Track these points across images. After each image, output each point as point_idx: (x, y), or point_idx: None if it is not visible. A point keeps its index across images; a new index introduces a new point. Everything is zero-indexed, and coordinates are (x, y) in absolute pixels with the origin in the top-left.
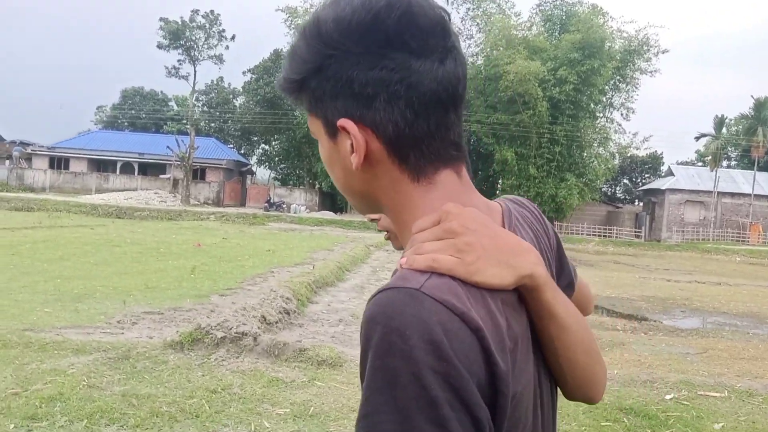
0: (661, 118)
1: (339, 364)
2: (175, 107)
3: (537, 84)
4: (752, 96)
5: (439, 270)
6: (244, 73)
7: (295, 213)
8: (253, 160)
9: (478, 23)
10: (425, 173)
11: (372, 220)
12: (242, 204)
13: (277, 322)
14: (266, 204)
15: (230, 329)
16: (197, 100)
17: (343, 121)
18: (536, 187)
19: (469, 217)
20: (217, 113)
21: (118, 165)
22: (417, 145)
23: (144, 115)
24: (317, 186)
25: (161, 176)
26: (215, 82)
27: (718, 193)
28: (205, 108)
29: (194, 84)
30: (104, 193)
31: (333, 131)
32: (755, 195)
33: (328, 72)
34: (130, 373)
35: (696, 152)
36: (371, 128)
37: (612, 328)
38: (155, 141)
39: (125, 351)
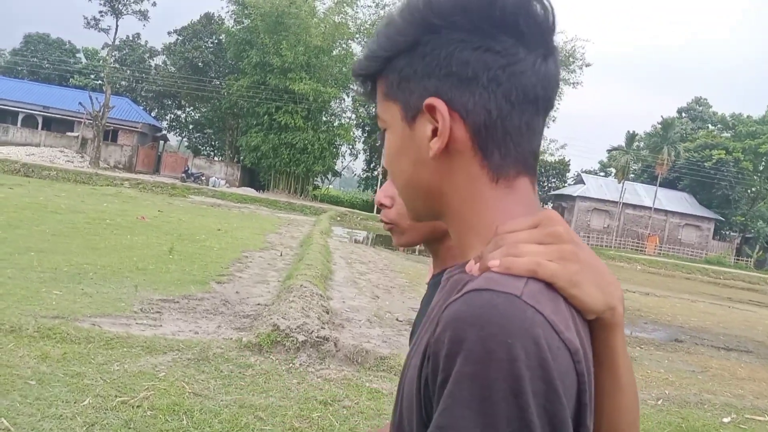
0: (572, 125)
1: None
2: (84, 60)
3: None
4: (662, 116)
5: (541, 276)
6: (169, 33)
7: (213, 186)
8: (164, 125)
9: None
10: (506, 175)
11: (381, 206)
12: (156, 171)
13: (327, 323)
14: (183, 174)
15: (311, 333)
16: (107, 55)
17: (432, 100)
18: None
19: (572, 231)
20: (129, 72)
21: (20, 117)
22: (504, 141)
23: (48, 65)
24: (238, 161)
25: (68, 134)
26: (131, 38)
27: (623, 204)
28: (116, 65)
29: (115, 38)
30: (2, 146)
31: (413, 115)
32: (655, 209)
33: (426, 48)
34: (222, 377)
35: (599, 162)
36: (460, 113)
37: None
38: (63, 95)
39: (200, 352)
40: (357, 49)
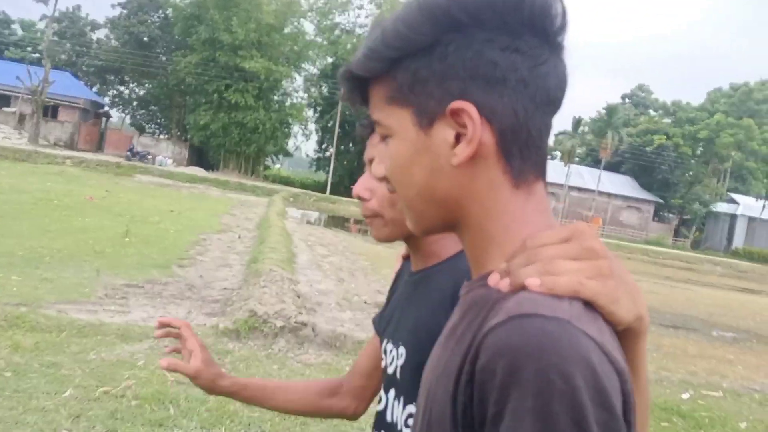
0: None
1: None
2: (20, 32)
3: None
4: (607, 102)
5: (584, 295)
6: (113, 6)
7: (160, 165)
8: (106, 101)
9: None
10: (525, 180)
11: (361, 198)
12: (98, 149)
13: (301, 308)
14: (128, 153)
15: (288, 318)
16: (46, 27)
17: (461, 104)
18: None
19: (602, 242)
20: (69, 45)
21: None
22: (527, 144)
23: None
24: (186, 139)
25: (5, 109)
26: (71, 11)
27: (569, 186)
28: (56, 38)
29: (55, 9)
30: None
31: (429, 121)
32: (599, 191)
33: (448, 48)
34: None
35: None
36: (487, 116)
37: None
38: None
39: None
40: (309, 27)
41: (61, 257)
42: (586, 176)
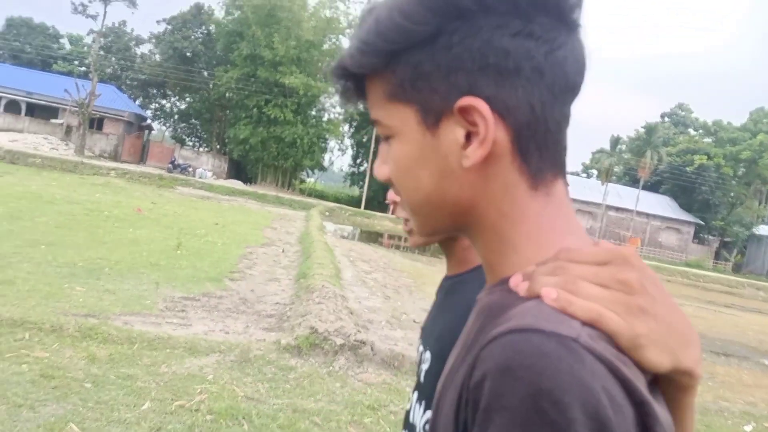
0: None
1: None
2: (68, 46)
3: None
4: (646, 121)
5: (601, 328)
6: (158, 22)
7: (200, 178)
8: (148, 114)
9: None
10: (544, 180)
11: (394, 203)
12: (141, 161)
13: (358, 325)
14: (170, 165)
15: (348, 336)
16: (94, 41)
17: (470, 100)
18: None
19: (650, 275)
20: (114, 59)
21: (2, 102)
22: (545, 139)
23: (30, 50)
24: (226, 153)
25: (53, 121)
26: (117, 26)
27: (606, 206)
28: (102, 52)
29: (103, 25)
30: None
31: (435, 119)
32: (637, 211)
33: (452, 38)
34: (267, 380)
35: (582, 164)
36: (500, 112)
37: None
38: (47, 80)
39: (241, 353)
40: (347, 44)
41: (119, 269)
42: (623, 196)
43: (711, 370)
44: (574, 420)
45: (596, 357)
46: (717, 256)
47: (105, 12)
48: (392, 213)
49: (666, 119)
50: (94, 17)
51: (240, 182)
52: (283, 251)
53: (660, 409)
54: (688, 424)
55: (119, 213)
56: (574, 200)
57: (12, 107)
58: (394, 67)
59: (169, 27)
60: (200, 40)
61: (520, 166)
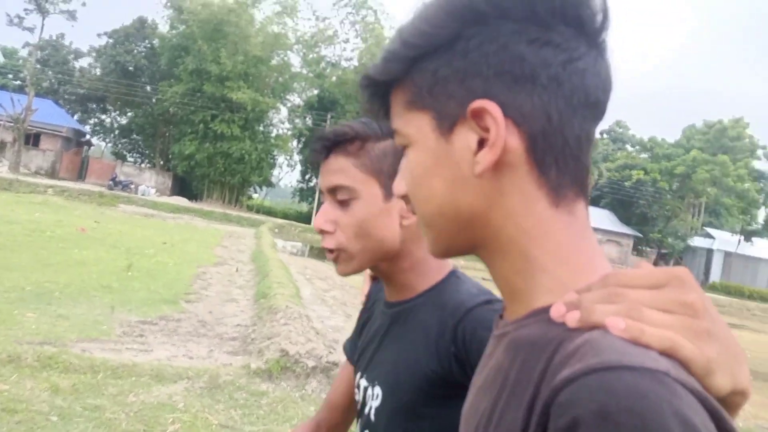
0: None
1: None
2: (1, 59)
3: None
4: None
5: (676, 356)
6: (99, 35)
7: (143, 195)
8: (87, 129)
9: (356, 29)
10: (566, 198)
11: (323, 232)
12: (80, 178)
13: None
14: (111, 182)
15: (320, 358)
16: (29, 55)
17: (481, 102)
18: None
19: (705, 296)
20: (52, 73)
21: None
22: (563, 153)
23: None
24: (170, 169)
25: None
26: (55, 38)
27: None
28: (38, 65)
29: (40, 37)
30: None
31: (450, 125)
32: None
33: (470, 42)
34: (240, 407)
35: None
36: (514, 118)
37: None
38: None
39: (210, 380)
40: (295, 59)
41: (69, 292)
42: None
43: None
44: None
45: (689, 390)
46: (655, 266)
47: (42, 24)
48: (322, 244)
49: (605, 136)
50: (30, 29)
51: (185, 199)
52: (237, 270)
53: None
54: None
55: (62, 233)
56: None
57: None
58: (414, 74)
59: (111, 40)
60: (143, 54)
61: (539, 179)
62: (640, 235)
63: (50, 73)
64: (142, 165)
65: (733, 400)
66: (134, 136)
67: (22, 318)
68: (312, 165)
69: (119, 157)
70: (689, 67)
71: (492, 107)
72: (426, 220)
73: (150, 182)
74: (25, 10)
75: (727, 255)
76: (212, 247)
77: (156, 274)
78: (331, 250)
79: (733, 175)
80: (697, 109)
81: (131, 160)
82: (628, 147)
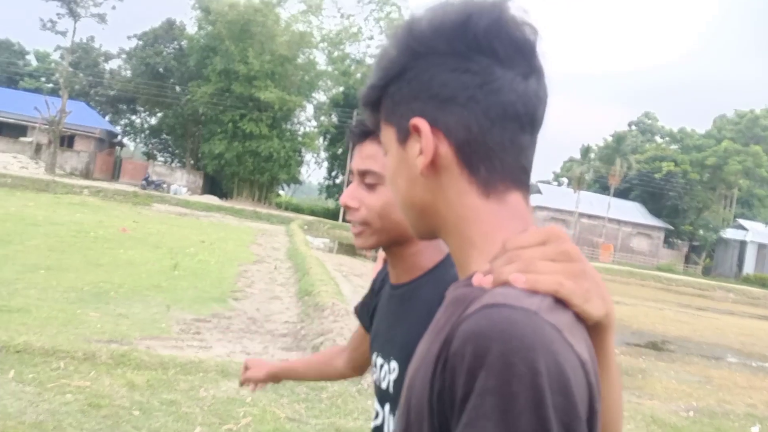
0: None
1: None
2: (34, 62)
3: None
4: (615, 130)
5: (561, 294)
6: (129, 37)
7: (175, 194)
8: (117, 129)
9: (380, 26)
10: (495, 190)
11: (348, 207)
12: (114, 178)
13: None
14: (144, 181)
15: None
16: (61, 58)
17: (415, 120)
18: None
19: (574, 245)
20: (83, 75)
21: None
22: (489, 156)
23: None
24: (200, 168)
25: (22, 139)
26: (86, 41)
27: (579, 213)
28: (70, 69)
29: (72, 41)
30: None
31: (404, 136)
32: (609, 218)
33: (411, 73)
34: (303, 401)
35: (553, 173)
36: (443, 131)
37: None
38: (14, 98)
39: None
40: (321, 57)
41: (124, 292)
42: (595, 203)
43: (707, 374)
44: (538, 372)
45: (554, 327)
46: (687, 260)
47: (74, 28)
48: (347, 217)
49: (633, 128)
50: (63, 33)
51: (216, 197)
52: (275, 268)
53: (591, 363)
54: (612, 359)
55: (105, 233)
56: (548, 209)
57: None
58: (385, 98)
59: (141, 42)
60: (172, 55)
61: (469, 177)
62: (671, 227)
63: (81, 75)
64: (173, 164)
65: (604, 322)
66: (164, 136)
67: (86, 317)
68: (348, 144)
69: (150, 156)
70: (718, 55)
71: (422, 123)
72: (401, 210)
73: (181, 181)
74: (58, 14)
75: (761, 247)
76: (248, 245)
77: (201, 273)
78: (355, 225)
79: (766, 165)
80: (728, 98)
81: (161, 159)
82: (658, 138)
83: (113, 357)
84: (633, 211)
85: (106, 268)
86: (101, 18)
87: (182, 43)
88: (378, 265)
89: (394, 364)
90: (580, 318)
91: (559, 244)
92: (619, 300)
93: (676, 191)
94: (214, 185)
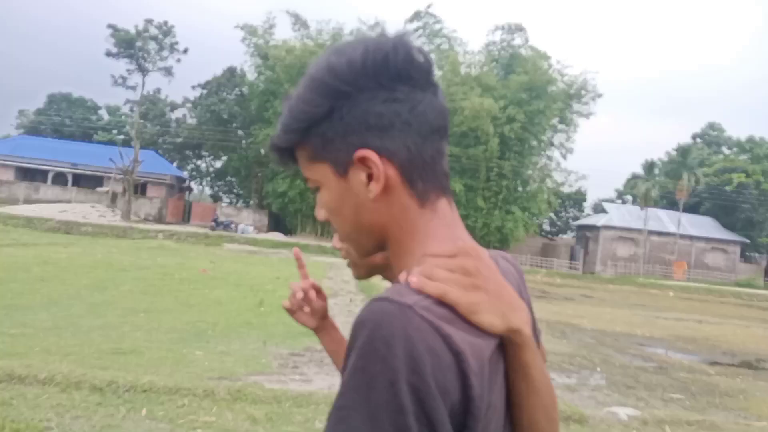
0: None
1: (584, 420)
2: (106, 116)
3: (490, 120)
4: (678, 143)
5: (447, 300)
6: (193, 87)
7: (243, 233)
8: (185, 174)
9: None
10: (429, 199)
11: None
12: (184, 221)
13: None
14: (213, 222)
15: None
16: (131, 110)
17: (363, 152)
18: (483, 218)
19: (485, 263)
20: (150, 125)
21: (50, 175)
22: (424, 169)
23: (71, 123)
24: (264, 206)
25: (98, 189)
26: (152, 94)
27: (648, 231)
28: (141, 120)
29: (141, 94)
30: (33, 204)
31: (344, 169)
32: (680, 234)
33: (342, 111)
34: None
35: (615, 190)
36: (386, 155)
37: (715, 374)
38: (89, 151)
39: None
40: None
41: (220, 330)
42: (665, 219)
43: None
44: (395, 356)
45: (422, 318)
46: (767, 273)
47: (143, 82)
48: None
49: (698, 140)
50: (133, 88)
51: (281, 234)
52: (350, 301)
53: (473, 360)
54: (534, 373)
55: (188, 275)
56: (614, 228)
57: (59, 179)
58: (308, 139)
59: (204, 91)
60: (234, 101)
61: (410, 191)
62: (747, 240)
63: (149, 126)
64: (238, 204)
65: (513, 337)
66: (229, 178)
67: (193, 356)
68: None
69: (216, 198)
70: None
71: (371, 154)
72: (345, 235)
73: (248, 220)
74: (128, 70)
75: None
76: (320, 280)
77: (280, 309)
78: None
79: None
80: None
81: (227, 200)
82: (725, 150)
83: (230, 393)
84: (705, 225)
85: (197, 308)
86: (167, 71)
87: (243, 89)
88: None
89: None
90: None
91: (462, 259)
92: (702, 319)
93: (749, 203)
94: (279, 222)
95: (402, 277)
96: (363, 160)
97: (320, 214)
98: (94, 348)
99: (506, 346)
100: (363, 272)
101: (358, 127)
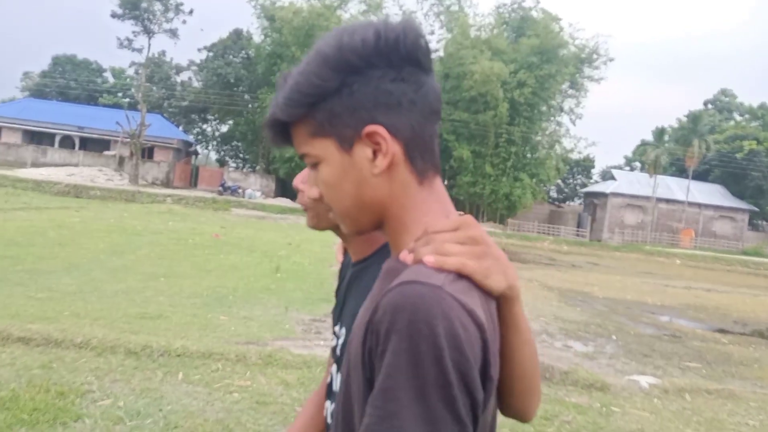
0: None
1: (606, 388)
2: (111, 79)
3: (499, 85)
4: (689, 110)
5: (464, 272)
6: (199, 50)
7: (250, 198)
8: (191, 138)
9: (441, 20)
10: (427, 177)
11: (300, 190)
12: (192, 186)
13: None
14: (220, 187)
15: None
16: (136, 73)
17: (373, 127)
18: (491, 184)
19: (483, 230)
20: (156, 88)
21: (57, 138)
22: (424, 148)
23: (76, 86)
24: (271, 171)
25: (105, 153)
26: (157, 56)
27: (656, 198)
28: (147, 83)
29: (147, 56)
30: (41, 167)
31: (349, 144)
32: (689, 202)
33: (353, 86)
34: None
35: (624, 157)
36: (392, 132)
37: (729, 343)
38: (96, 114)
39: None
40: None
41: (240, 295)
42: (673, 187)
43: None
44: (438, 334)
45: (452, 297)
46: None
47: (149, 44)
48: (297, 199)
49: (710, 106)
50: (139, 50)
51: (288, 200)
52: None
53: (489, 326)
54: (523, 325)
55: (201, 240)
56: (622, 195)
57: (66, 142)
58: (314, 113)
59: (210, 54)
60: (241, 64)
61: (411, 169)
62: (756, 209)
63: (154, 89)
64: (245, 169)
65: (509, 293)
66: (235, 142)
67: (218, 321)
68: None
69: (222, 163)
70: None
71: (381, 129)
72: (343, 212)
73: (255, 186)
74: (133, 32)
75: None
76: (330, 246)
77: (301, 275)
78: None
79: None
80: None
81: (233, 165)
82: (737, 116)
83: (262, 357)
84: (714, 193)
85: (215, 273)
86: (173, 33)
87: (250, 52)
88: (339, 257)
89: (343, 330)
90: (485, 292)
91: (467, 230)
92: (711, 288)
93: (760, 171)
94: (285, 188)
95: (403, 255)
96: (371, 136)
97: (313, 191)
98: (122, 312)
99: (501, 304)
100: (324, 225)
101: (368, 103)
